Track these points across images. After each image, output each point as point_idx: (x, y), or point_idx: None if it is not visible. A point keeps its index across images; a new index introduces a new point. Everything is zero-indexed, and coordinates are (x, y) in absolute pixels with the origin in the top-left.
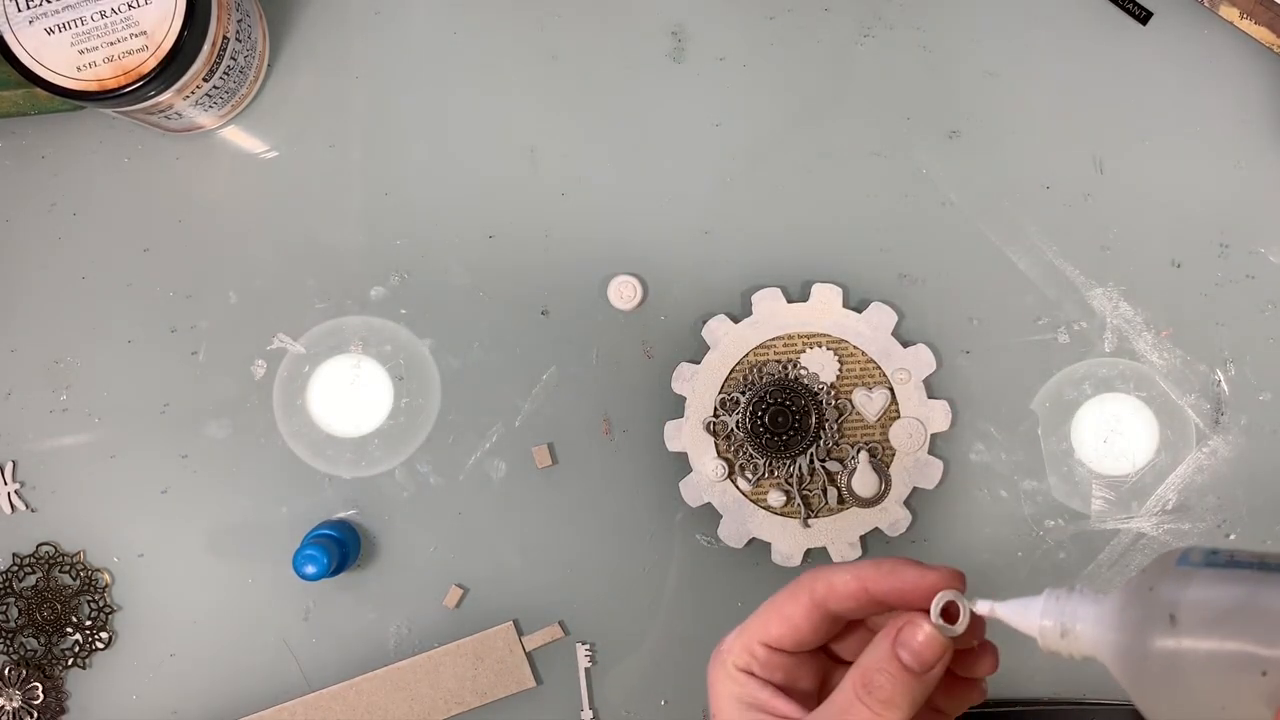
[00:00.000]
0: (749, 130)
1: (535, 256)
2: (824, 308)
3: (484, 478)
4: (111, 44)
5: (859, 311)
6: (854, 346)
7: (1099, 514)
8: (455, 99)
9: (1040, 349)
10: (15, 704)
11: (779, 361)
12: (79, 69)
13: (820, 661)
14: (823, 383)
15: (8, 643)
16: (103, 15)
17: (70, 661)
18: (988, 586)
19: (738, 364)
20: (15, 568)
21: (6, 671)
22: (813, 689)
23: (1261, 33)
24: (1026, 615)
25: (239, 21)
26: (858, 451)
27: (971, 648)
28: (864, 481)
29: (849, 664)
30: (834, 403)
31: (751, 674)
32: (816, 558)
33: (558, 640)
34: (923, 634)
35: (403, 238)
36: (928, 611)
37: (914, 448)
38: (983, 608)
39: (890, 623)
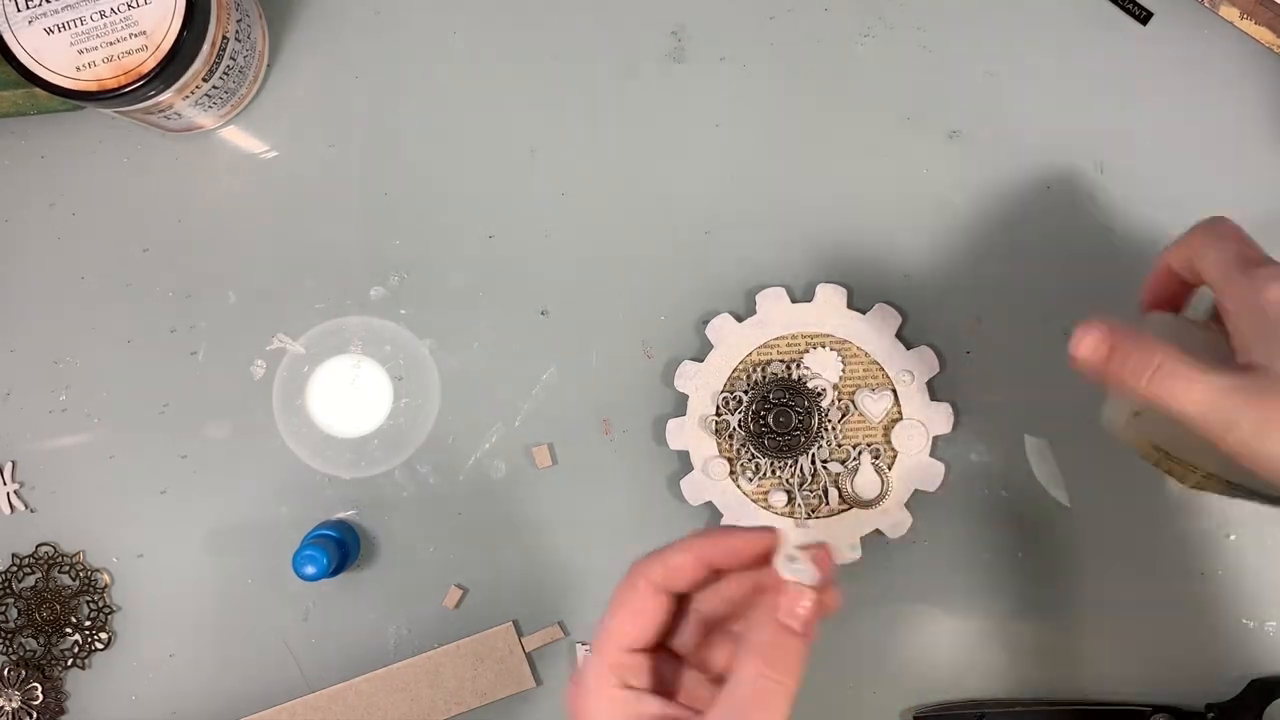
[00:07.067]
0: (749, 130)
1: (535, 256)
2: (828, 308)
3: (484, 478)
4: (111, 44)
5: (863, 313)
6: (858, 348)
7: None
8: (455, 99)
9: (1041, 350)
10: (15, 704)
11: (782, 361)
12: (79, 69)
13: (667, 658)
14: (826, 383)
15: (7, 643)
16: (102, 15)
17: (70, 662)
18: (988, 587)
19: (740, 363)
20: (15, 568)
21: (6, 672)
22: (674, 690)
23: (1261, 33)
24: None
25: (239, 21)
26: (859, 453)
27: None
28: (865, 483)
29: (681, 658)
30: (837, 403)
31: (631, 688)
32: None
33: (558, 640)
34: (806, 598)
35: (403, 238)
36: (764, 563)
37: (916, 450)
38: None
39: (766, 600)
